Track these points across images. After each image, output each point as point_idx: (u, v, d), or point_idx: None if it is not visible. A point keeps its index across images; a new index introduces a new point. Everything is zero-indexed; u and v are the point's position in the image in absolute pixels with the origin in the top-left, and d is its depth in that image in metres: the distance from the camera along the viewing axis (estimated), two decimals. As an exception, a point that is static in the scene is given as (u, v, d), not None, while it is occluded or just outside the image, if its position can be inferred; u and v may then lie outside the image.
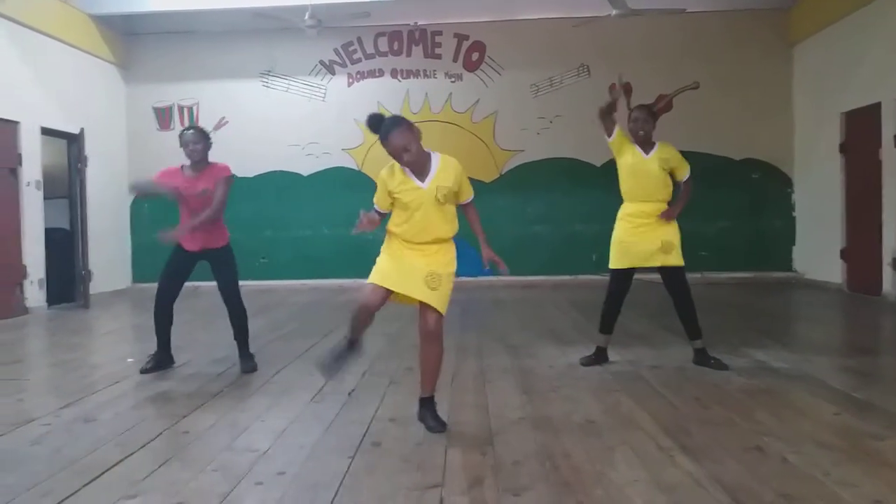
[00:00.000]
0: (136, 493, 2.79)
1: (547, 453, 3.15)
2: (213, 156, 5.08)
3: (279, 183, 11.31)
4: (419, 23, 11.20)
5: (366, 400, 4.12)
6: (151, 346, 5.19)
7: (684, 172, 4.86)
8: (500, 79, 11.20)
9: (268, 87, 11.42)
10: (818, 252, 10.06)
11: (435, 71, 11.29)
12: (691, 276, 4.88)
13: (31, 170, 8.72)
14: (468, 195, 3.64)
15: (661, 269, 4.77)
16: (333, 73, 11.37)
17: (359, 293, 3.48)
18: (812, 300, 8.80)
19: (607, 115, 4.83)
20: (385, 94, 11.06)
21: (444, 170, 3.50)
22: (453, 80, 11.27)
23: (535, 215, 11.12)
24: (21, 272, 8.48)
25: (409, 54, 11.32)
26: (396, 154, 3.42)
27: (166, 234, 4.77)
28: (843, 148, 9.36)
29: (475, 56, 11.25)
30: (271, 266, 11.19)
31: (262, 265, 11.08)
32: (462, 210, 3.65)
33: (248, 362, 5.04)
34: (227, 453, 3.27)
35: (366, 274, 3.53)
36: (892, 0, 8.21)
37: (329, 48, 11.24)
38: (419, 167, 3.46)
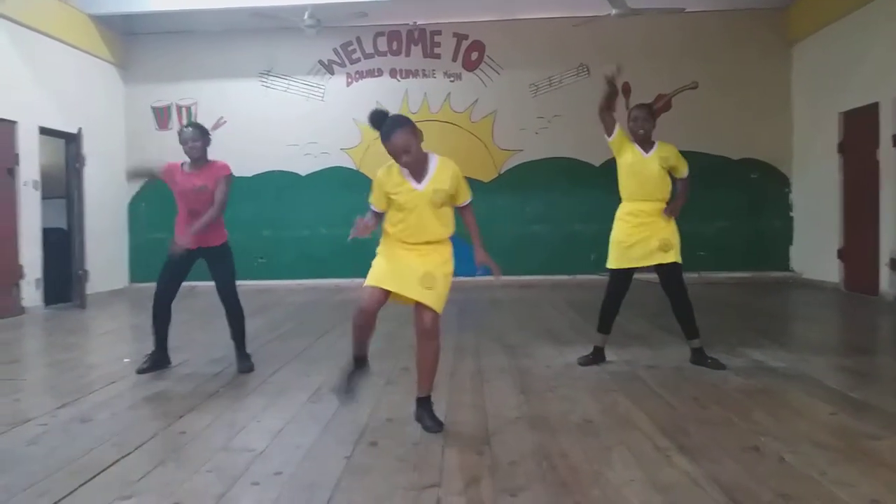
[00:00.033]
0: (132, 494, 2.79)
1: (544, 453, 3.15)
2: (212, 156, 5.07)
3: (277, 183, 11.31)
4: (418, 22, 11.20)
5: (362, 400, 4.10)
6: (148, 346, 5.19)
7: (683, 170, 4.87)
8: (499, 78, 11.21)
9: (267, 86, 11.42)
10: (816, 252, 10.07)
11: (434, 71, 11.29)
12: (689, 276, 4.89)
13: (29, 169, 8.71)
14: (465, 198, 3.62)
15: (659, 269, 4.76)
16: (332, 73, 11.37)
17: (358, 299, 3.48)
18: (809, 300, 8.81)
19: (607, 112, 4.82)
20: (384, 93, 11.05)
21: (442, 172, 3.49)
22: (452, 79, 11.27)
23: (534, 215, 11.12)
24: (18, 272, 8.47)
25: (408, 54, 11.32)
26: (396, 154, 3.41)
27: (175, 246, 4.76)
28: (842, 148, 9.36)
29: (474, 56, 11.25)
30: (269, 266, 11.19)
31: (259, 265, 11.07)
32: (459, 212, 3.64)
33: (244, 362, 5.04)
34: (224, 453, 3.26)
35: (363, 273, 3.53)
36: (890, 0, 8.21)
37: (328, 48, 11.24)
38: (417, 169, 3.46)
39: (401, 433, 3.49)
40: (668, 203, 4.80)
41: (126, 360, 5.44)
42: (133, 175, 5.15)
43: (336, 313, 8.03)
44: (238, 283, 5.13)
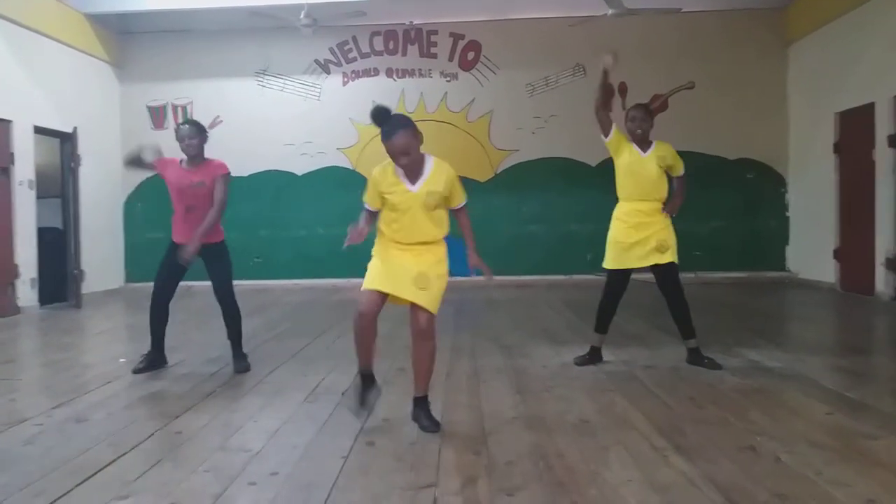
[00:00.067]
0: (129, 494, 2.78)
1: (540, 453, 3.15)
2: (208, 155, 5.05)
3: (274, 182, 11.29)
4: (414, 22, 11.20)
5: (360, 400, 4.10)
6: (144, 345, 5.18)
7: (680, 169, 4.88)
8: (496, 78, 11.21)
9: (263, 86, 11.40)
10: (812, 252, 10.09)
11: (430, 70, 11.29)
12: (685, 276, 4.89)
13: (24, 169, 8.69)
14: (460, 201, 3.62)
15: (655, 269, 4.77)
16: (329, 73, 11.36)
17: (356, 302, 3.47)
18: (805, 300, 8.83)
19: (603, 111, 4.83)
20: (380, 93, 11.01)
21: (437, 174, 3.49)
22: (449, 79, 11.27)
23: (530, 215, 11.13)
24: (13, 272, 8.44)
25: (404, 53, 11.32)
26: (395, 155, 3.40)
27: (185, 255, 4.74)
28: (837, 148, 9.38)
29: (471, 55, 11.25)
30: (266, 265, 11.17)
31: (256, 265, 11.05)
32: (454, 215, 3.65)
33: (241, 362, 5.03)
34: (220, 453, 3.26)
35: (360, 273, 3.54)
36: (887, 0, 8.23)
37: (324, 47, 11.23)
38: (412, 170, 3.45)
39: (398, 433, 3.49)
40: (665, 202, 4.82)
41: (122, 359, 5.42)
42: (130, 161, 5.11)
43: (333, 313, 8.03)
44: (235, 282, 5.12)
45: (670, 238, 4.76)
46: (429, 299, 3.43)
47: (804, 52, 10.36)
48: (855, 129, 8.92)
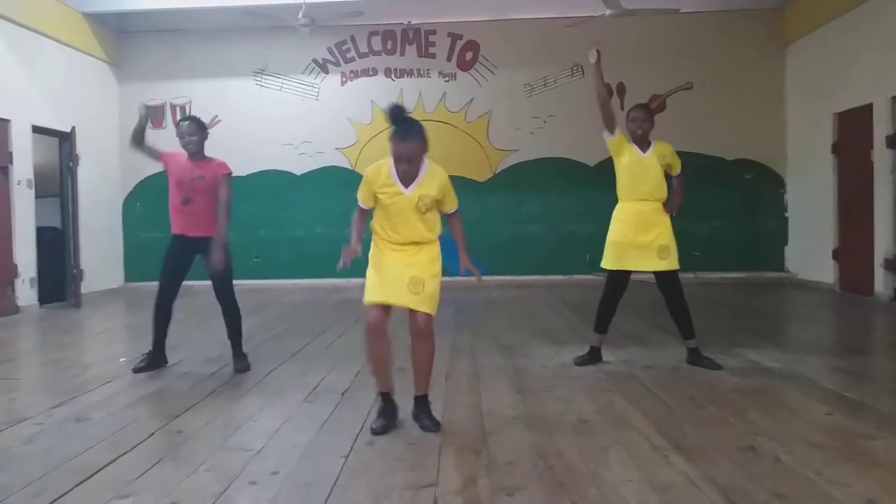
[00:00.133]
0: (129, 493, 2.78)
1: (540, 453, 3.15)
2: (207, 154, 5.06)
3: (273, 182, 11.28)
4: (413, 22, 11.20)
5: (359, 399, 4.11)
6: (144, 345, 5.17)
7: (678, 167, 4.90)
8: (494, 78, 11.21)
9: (261, 85, 11.39)
10: (810, 252, 10.10)
11: (429, 70, 11.28)
12: (684, 276, 4.90)
13: (23, 168, 8.68)
14: (452, 205, 3.64)
15: (655, 271, 4.78)
16: (327, 72, 11.36)
17: (359, 302, 3.49)
18: (804, 300, 8.84)
19: (607, 106, 4.84)
20: (379, 93, 11.03)
21: (430, 178, 3.51)
22: (447, 79, 11.27)
23: (530, 215, 11.12)
24: (12, 271, 8.43)
25: (402, 53, 11.31)
26: (399, 158, 3.42)
27: (216, 263, 4.76)
28: (836, 148, 9.39)
29: (469, 55, 11.25)
30: (265, 265, 11.16)
31: (255, 264, 11.04)
32: (446, 219, 3.66)
33: (241, 362, 5.03)
34: (221, 453, 3.26)
35: (359, 273, 3.58)
36: (885, 0, 8.25)
37: (322, 47, 11.22)
38: (409, 174, 3.47)
39: (398, 433, 3.49)
40: (664, 202, 4.83)
41: (122, 359, 5.42)
42: (135, 135, 5.09)
43: (333, 313, 8.03)
44: (234, 282, 5.12)
45: (671, 242, 4.76)
46: (424, 302, 3.45)
47: (802, 53, 10.37)
48: (853, 130, 8.93)
